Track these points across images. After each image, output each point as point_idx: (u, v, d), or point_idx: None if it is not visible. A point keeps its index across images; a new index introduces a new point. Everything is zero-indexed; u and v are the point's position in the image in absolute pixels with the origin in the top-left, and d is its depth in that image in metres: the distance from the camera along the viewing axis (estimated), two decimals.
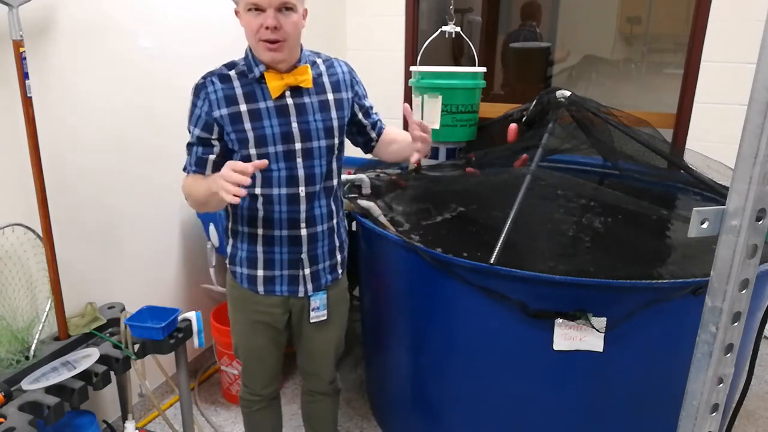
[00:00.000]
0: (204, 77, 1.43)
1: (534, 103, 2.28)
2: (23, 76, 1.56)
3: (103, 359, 1.71)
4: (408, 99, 3.42)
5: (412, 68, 2.46)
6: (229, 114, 1.40)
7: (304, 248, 1.53)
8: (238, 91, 1.41)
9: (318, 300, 1.60)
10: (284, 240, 1.51)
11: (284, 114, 1.42)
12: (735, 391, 1.89)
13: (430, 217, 2.20)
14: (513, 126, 2.33)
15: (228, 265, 1.61)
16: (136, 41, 2.05)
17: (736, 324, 0.76)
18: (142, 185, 2.16)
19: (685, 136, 2.94)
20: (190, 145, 1.48)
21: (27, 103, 1.58)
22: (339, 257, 1.63)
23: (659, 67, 4.74)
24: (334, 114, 1.49)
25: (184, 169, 1.51)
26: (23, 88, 1.57)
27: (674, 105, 2.99)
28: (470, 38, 2.69)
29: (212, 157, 1.46)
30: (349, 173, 2.23)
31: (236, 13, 1.40)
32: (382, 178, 2.25)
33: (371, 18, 3.44)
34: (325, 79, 1.50)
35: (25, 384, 1.55)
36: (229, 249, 1.59)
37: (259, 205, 1.48)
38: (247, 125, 1.40)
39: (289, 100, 1.43)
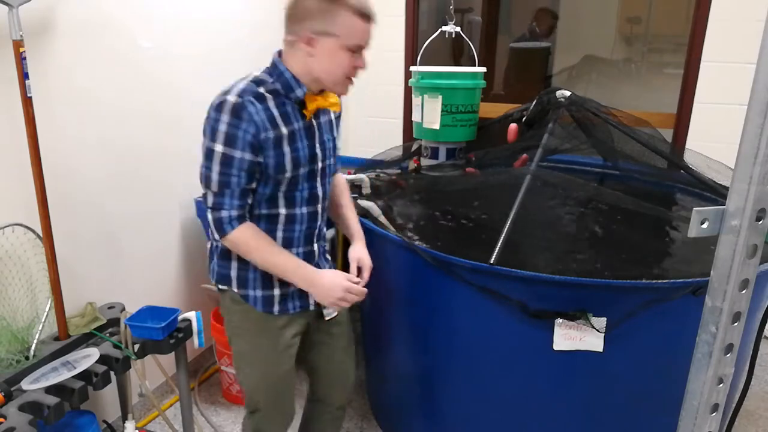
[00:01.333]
0: (240, 96, 1.30)
1: (534, 103, 2.28)
2: (23, 76, 1.56)
3: (103, 359, 1.71)
4: (408, 99, 3.42)
5: (412, 68, 2.46)
6: (274, 137, 1.34)
7: (315, 261, 1.55)
8: (275, 112, 1.35)
9: None
10: (300, 256, 1.49)
11: (311, 135, 1.42)
12: (735, 391, 1.89)
13: (430, 217, 2.20)
14: (513, 126, 2.33)
15: (235, 290, 1.49)
16: (137, 41, 2.05)
17: (736, 324, 0.76)
18: (143, 185, 2.16)
19: (685, 136, 2.93)
20: (225, 176, 1.32)
21: (27, 103, 1.58)
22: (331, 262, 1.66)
23: (659, 67, 4.74)
24: (335, 132, 1.54)
25: (219, 207, 1.35)
26: (23, 88, 1.57)
27: (674, 105, 2.99)
28: (470, 38, 2.69)
29: (254, 186, 1.38)
30: (350, 173, 2.23)
31: (310, 41, 1.31)
32: (382, 178, 2.25)
33: None
34: None
35: (25, 384, 1.55)
36: (233, 272, 1.48)
37: (280, 225, 1.45)
38: (287, 148, 1.36)
39: (314, 121, 1.44)
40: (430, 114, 2.39)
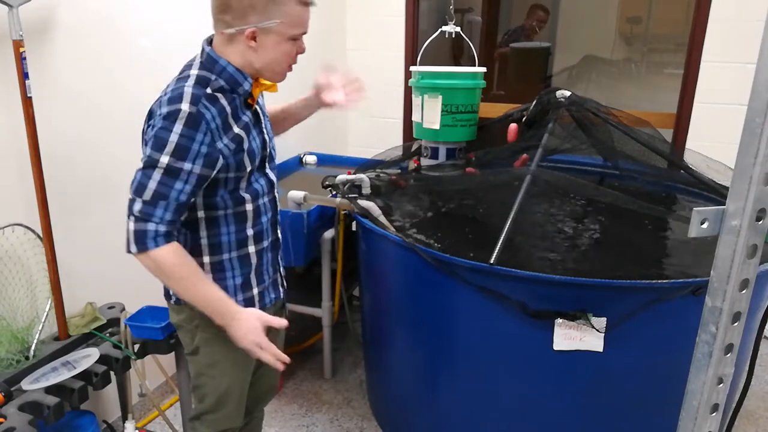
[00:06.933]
0: (193, 103, 1.20)
1: (534, 103, 2.28)
2: (23, 76, 1.56)
3: (103, 359, 1.71)
4: (408, 99, 3.42)
5: (412, 68, 2.46)
6: (231, 139, 1.27)
7: (280, 251, 1.53)
8: (228, 110, 1.28)
9: (284, 296, 1.60)
10: (269, 247, 1.47)
11: (258, 121, 1.39)
12: (735, 391, 1.89)
13: (430, 217, 2.20)
14: (513, 126, 2.33)
15: None
16: (137, 41, 2.05)
17: (736, 324, 0.76)
18: None
19: (685, 136, 2.94)
20: (165, 187, 1.20)
21: (27, 103, 1.59)
22: None
23: (659, 67, 4.75)
24: (268, 114, 1.51)
25: (147, 217, 1.20)
26: (23, 88, 1.57)
27: (674, 105, 2.99)
28: (470, 38, 2.69)
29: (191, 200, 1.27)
30: (349, 173, 2.23)
31: (251, 37, 1.24)
32: (382, 178, 2.25)
33: (371, 18, 3.44)
34: None
35: (25, 384, 1.55)
36: None
37: (249, 223, 1.39)
38: (246, 144, 1.31)
39: (256, 107, 1.39)
40: (430, 114, 2.39)
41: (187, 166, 1.20)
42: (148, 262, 1.23)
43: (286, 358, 1.34)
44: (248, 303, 1.44)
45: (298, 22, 1.26)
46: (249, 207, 1.38)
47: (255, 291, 1.46)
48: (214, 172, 1.26)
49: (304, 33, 1.30)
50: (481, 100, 2.49)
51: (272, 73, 1.32)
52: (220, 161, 1.25)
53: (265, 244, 1.45)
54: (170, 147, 1.18)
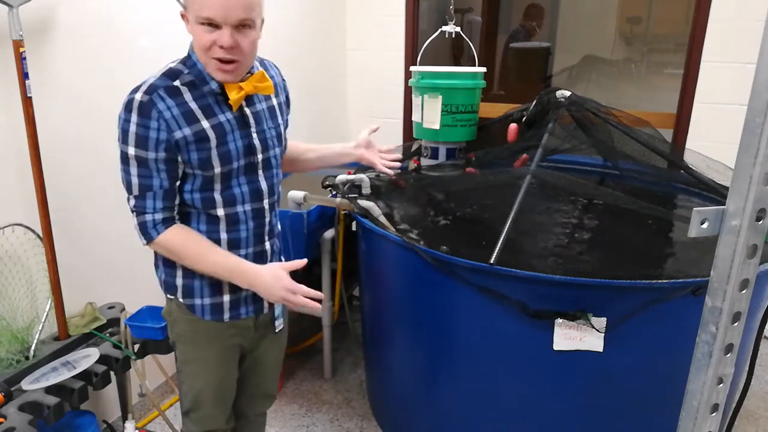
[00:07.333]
0: (147, 93, 1.21)
1: (534, 103, 2.28)
2: (23, 76, 1.57)
3: (103, 359, 1.71)
4: (408, 99, 3.42)
5: (412, 68, 2.46)
6: (194, 133, 1.24)
7: (268, 261, 1.44)
8: (193, 105, 1.24)
9: (279, 308, 1.53)
10: (250, 257, 1.38)
11: (245, 125, 1.32)
12: (735, 391, 1.89)
13: (429, 216, 2.20)
14: (513, 126, 2.33)
15: (180, 300, 1.39)
16: (137, 41, 2.05)
17: (736, 324, 0.76)
18: None
19: (685, 136, 2.94)
20: (146, 178, 1.24)
21: (27, 103, 1.59)
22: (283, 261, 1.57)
23: (659, 67, 4.75)
24: (279, 120, 1.43)
25: (142, 210, 1.27)
26: (23, 88, 1.57)
27: (674, 105, 2.99)
28: (470, 38, 2.69)
29: (177, 184, 1.29)
30: (349, 173, 2.23)
31: (183, 17, 1.24)
32: (382, 178, 2.25)
33: (371, 18, 3.44)
34: None
35: (25, 384, 1.55)
36: (179, 281, 1.38)
37: (222, 226, 1.34)
38: (213, 143, 1.26)
39: (246, 110, 1.33)
40: (430, 114, 2.39)
41: (151, 155, 1.23)
42: (160, 249, 1.32)
43: (321, 295, 1.36)
44: (215, 309, 1.39)
45: (198, 3, 1.16)
46: (221, 212, 1.33)
47: (225, 298, 1.40)
48: (178, 157, 1.25)
49: (215, 20, 1.17)
50: (481, 100, 2.49)
51: (204, 64, 1.25)
52: (181, 151, 1.24)
53: (243, 252, 1.38)
54: (132, 138, 1.22)
